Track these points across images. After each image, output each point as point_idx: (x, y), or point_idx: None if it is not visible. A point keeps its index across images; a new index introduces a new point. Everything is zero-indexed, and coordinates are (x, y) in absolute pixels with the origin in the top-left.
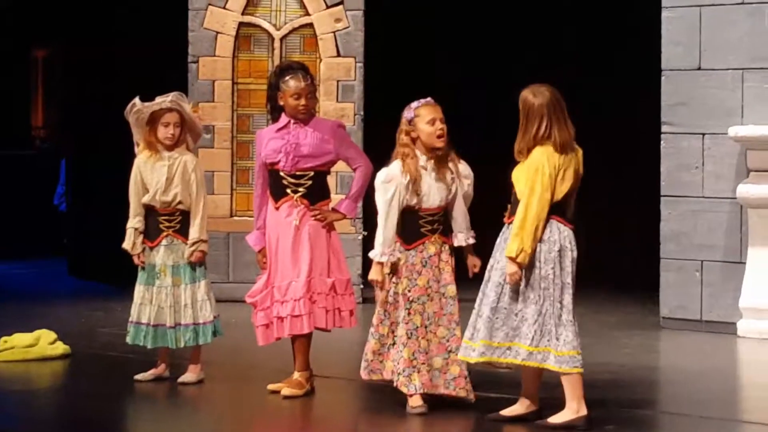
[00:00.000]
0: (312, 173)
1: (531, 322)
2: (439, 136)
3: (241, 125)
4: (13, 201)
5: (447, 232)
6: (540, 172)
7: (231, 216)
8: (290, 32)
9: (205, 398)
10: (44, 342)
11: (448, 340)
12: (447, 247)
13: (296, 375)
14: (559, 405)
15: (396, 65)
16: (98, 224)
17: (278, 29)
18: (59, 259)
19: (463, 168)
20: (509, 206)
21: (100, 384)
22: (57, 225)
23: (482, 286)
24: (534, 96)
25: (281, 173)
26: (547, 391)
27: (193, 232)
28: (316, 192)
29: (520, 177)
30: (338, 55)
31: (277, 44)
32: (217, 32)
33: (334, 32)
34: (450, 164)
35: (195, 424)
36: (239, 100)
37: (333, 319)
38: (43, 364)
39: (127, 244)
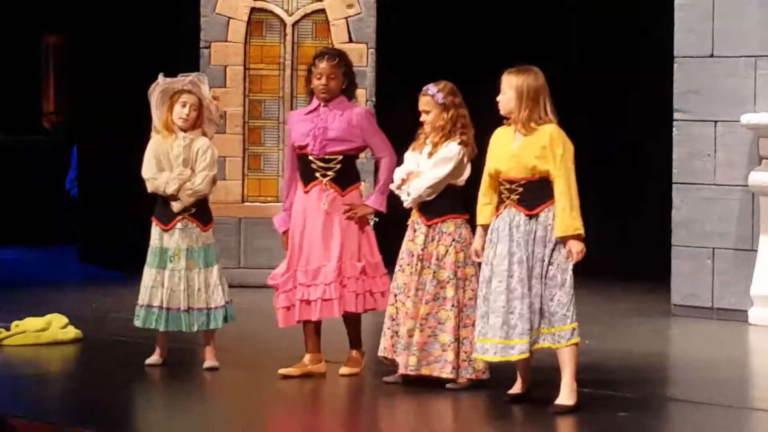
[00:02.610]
0: (341, 157)
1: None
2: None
3: (252, 111)
4: (25, 187)
5: (429, 213)
6: (570, 151)
7: (242, 201)
8: (302, 18)
9: (217, 383)
10: (55, 326)
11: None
12: (439, 230)
13: (353, 353)
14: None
15: (408, 51)
16: (109, 210)
17: (290, 15)
18: (70, 245)
19: (444, 150)
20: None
21: (110, 368)
22: (68, 211)
23: (502, 281)
24: (536, 74)
25: (310, 157)
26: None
27: (188, 187)
28: (345, 176)
29: (531, 154)
30: (350, 41)
31: (289, 30)
32: (230, 17)
33: (346, 18)
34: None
35: (206, 409)
36: (251, 85)
37: (363, 303)
38: (54, 348)
39: (174, 188)
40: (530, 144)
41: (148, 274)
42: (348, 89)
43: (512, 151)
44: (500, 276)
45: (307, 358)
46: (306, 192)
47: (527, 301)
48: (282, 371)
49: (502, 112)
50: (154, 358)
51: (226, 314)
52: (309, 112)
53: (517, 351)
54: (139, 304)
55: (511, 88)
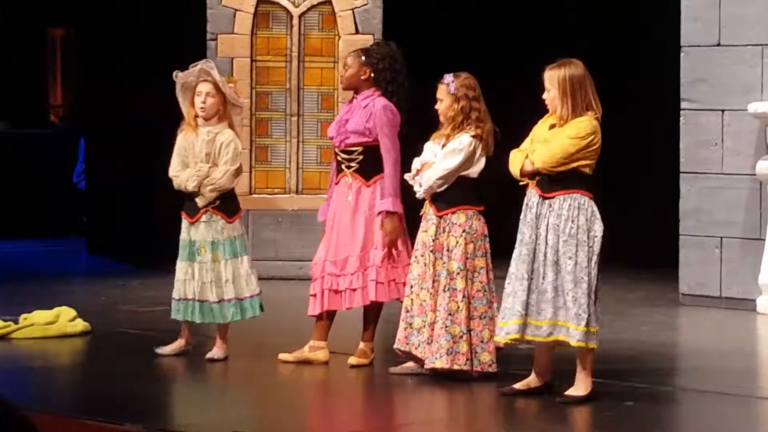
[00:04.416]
0: (361, 148)
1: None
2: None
3: (259, 103)
4: (32, 179)
5: (441, 204)
6: (582, 140)
7: (250, 193)
8: (309, 9)
9: (225, 375)
10: (64, 319)
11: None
12: (452, 221)
13: (362, 345)
14: (568, 377)
15: (415, 42)
16: (117, 203)
17: (297, 6)
18: (78, 238)
19: (455, 142)
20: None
21: (119, 361)
22: (76, 203)
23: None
24: (574, 67)
25: (336, 149)
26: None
27: (204, 185)
28: (370, 166)
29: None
30: (357, 32)
31: (295, 21)
32: (236, 9)
33: (352, 9)
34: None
35: (214, 401)
36: (258, 77)
37: (387, 292)
38: (63, 341)
39: (194, 185)
40: (560, 132)
41: (180, 267)
42: (376, 81)
43: (545, 135)
44: (514, 256)
45: (308, 345)
46: (336, 183)
47: (525, 284)
48: (281, 356)
49: (550, 111)
50: (173, 347)
51: (261, 303)
52: (347, 104)
53: (503, 333)
54: (174, 298)
55: (553, 86)
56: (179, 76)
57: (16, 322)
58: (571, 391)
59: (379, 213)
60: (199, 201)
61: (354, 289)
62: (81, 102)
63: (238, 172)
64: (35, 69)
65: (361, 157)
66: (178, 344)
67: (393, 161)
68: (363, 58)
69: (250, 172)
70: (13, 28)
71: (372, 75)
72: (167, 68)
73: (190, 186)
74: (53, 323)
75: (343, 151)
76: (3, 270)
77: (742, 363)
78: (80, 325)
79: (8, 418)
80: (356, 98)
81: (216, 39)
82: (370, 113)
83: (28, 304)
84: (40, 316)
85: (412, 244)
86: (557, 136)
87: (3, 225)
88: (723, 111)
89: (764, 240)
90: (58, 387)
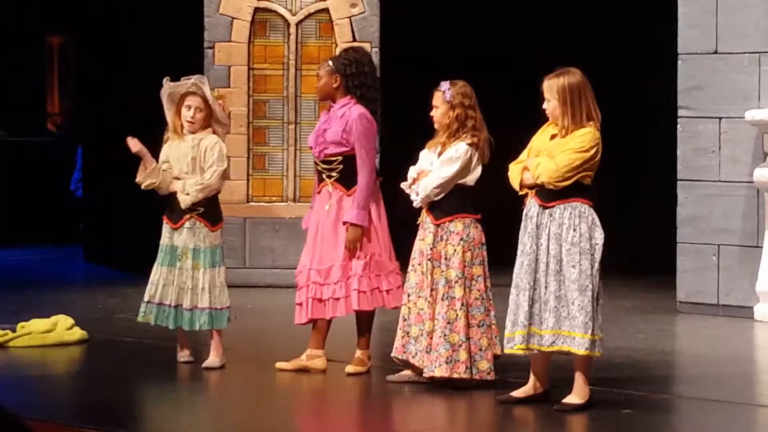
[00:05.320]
0: (341, 158)
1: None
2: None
3: (257, 110)
4: (30, 187)
5: (438, 212)
6: (585, 152)
7: (247, 201)
8: (306, 17)
9: (223, 383)
10: (61, 327)
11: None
12: (449, 229)
13: (358, 353)
14: (566, 385)
15: (412, 50)
16: (114, 211)
17: (294, 14)
18: (75, 245)
19: (451, 150)
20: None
21: (116, 369)
22: (73, 211)
23: (517, 272)
24: (573, 76)
25: (316, 159)
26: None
27: (191, 185)
28: (350, 176)
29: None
30: (354, 40)
31: (292, 29)
32: (233, 17)
33: (349, 17)
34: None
35: (212, 409)
36: (255, 85)
37: (370, 301)
38: (61, 349)
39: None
40: (562, 144)
41: (158, 271)
42: (347, 87)
43: (546, 145)
44: (516, 267)
45: (305, 353)
46: (318, 192)
47: (528, 294)
48: (278, 365)
49: (551, 120)
50: (185, 356)
51: (229, 317)
52: (325, 114)
53: (511, 344)
54: (145, 300)
55: (553, 96)
56: (169, 85)
57: (13, 330)
58: (569, 399)
59: (345, 222)
60: (184, 201)
61: (337, 299)
62: (78, 110)
63: (225, 172)
64: (33, 76)
65: (341, 166)
66: (185, 352)
67: (368, 172)
68: (331, 65)
69: (248, 180)
70: (11, 36)
71: (342, 81)
72: (164, 76)
73: (142, 179)
74: (51, 331)
75: (323, 161)
76: (0, 278)
77: (740, 370)
78: (78, 333)
79: (7, 426)
80: (333, 107)
81: (213, 47)
82: (346, 122)
83: (26, 312)
84: (37, 324)
85: (408, 252)
86: (561, 150)
87: (0, 233)
88: (720, 118)
89: (762, 247)
90: (56, 395)
